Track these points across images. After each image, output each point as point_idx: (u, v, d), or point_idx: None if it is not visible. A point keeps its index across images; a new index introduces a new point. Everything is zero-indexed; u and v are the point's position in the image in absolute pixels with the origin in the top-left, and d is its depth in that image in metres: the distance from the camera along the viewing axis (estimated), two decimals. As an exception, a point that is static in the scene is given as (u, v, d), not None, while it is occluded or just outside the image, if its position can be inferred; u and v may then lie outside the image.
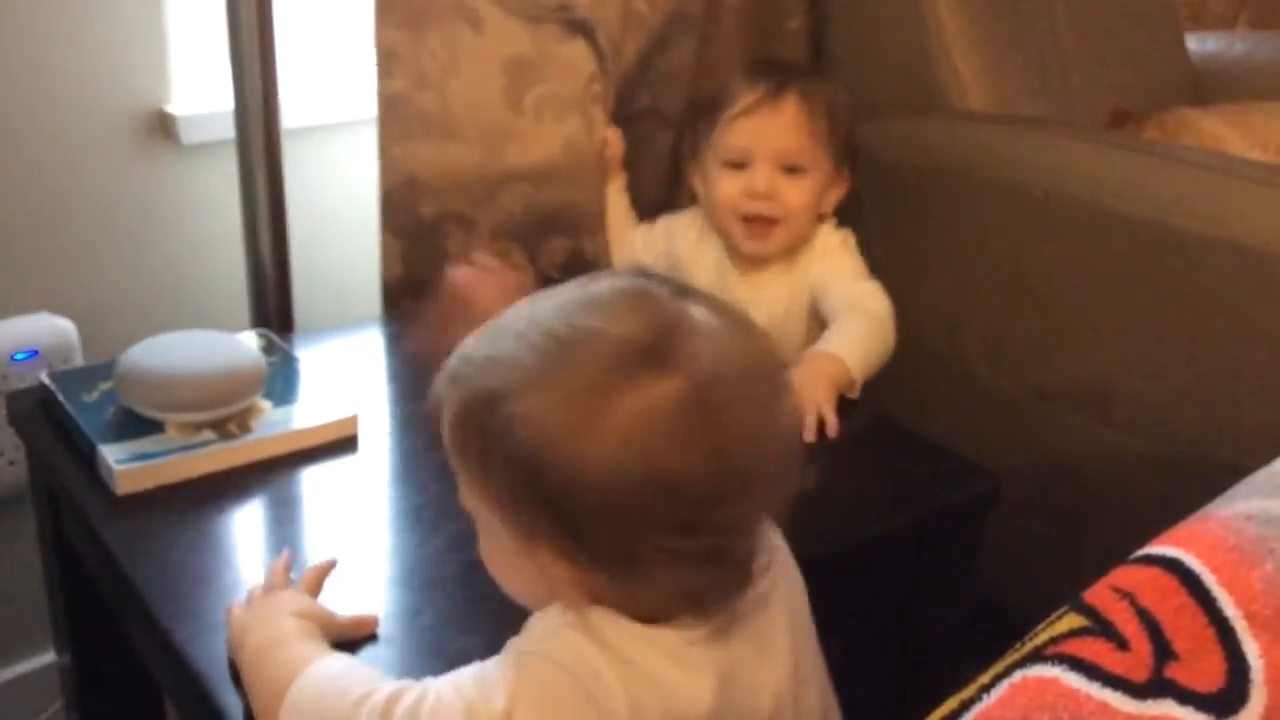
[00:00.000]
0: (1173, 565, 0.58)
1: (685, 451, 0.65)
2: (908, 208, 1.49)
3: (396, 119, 1.32)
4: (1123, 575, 0.59)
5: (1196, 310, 1.23)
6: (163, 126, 1.36)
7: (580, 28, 1.38)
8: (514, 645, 0.72)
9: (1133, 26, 1.82)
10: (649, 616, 0.70)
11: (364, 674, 0.75)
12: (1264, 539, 0.58)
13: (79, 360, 1.31)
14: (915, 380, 1.42)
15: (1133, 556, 0.61)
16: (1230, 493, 0.66)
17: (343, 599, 0.88)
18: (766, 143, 1.29)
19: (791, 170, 1.31)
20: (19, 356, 1.27)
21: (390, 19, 1.30)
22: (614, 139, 1.43)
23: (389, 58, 1.30)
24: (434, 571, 0.93)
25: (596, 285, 0.70)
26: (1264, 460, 1.15)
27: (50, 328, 1.29)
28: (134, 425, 1.04)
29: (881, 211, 1.51)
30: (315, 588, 0.87)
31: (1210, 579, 0.56)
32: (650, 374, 0.65)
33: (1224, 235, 1.20)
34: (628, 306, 0.68)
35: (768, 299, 1.34)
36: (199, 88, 1.39)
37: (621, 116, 1.48)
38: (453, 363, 0.71)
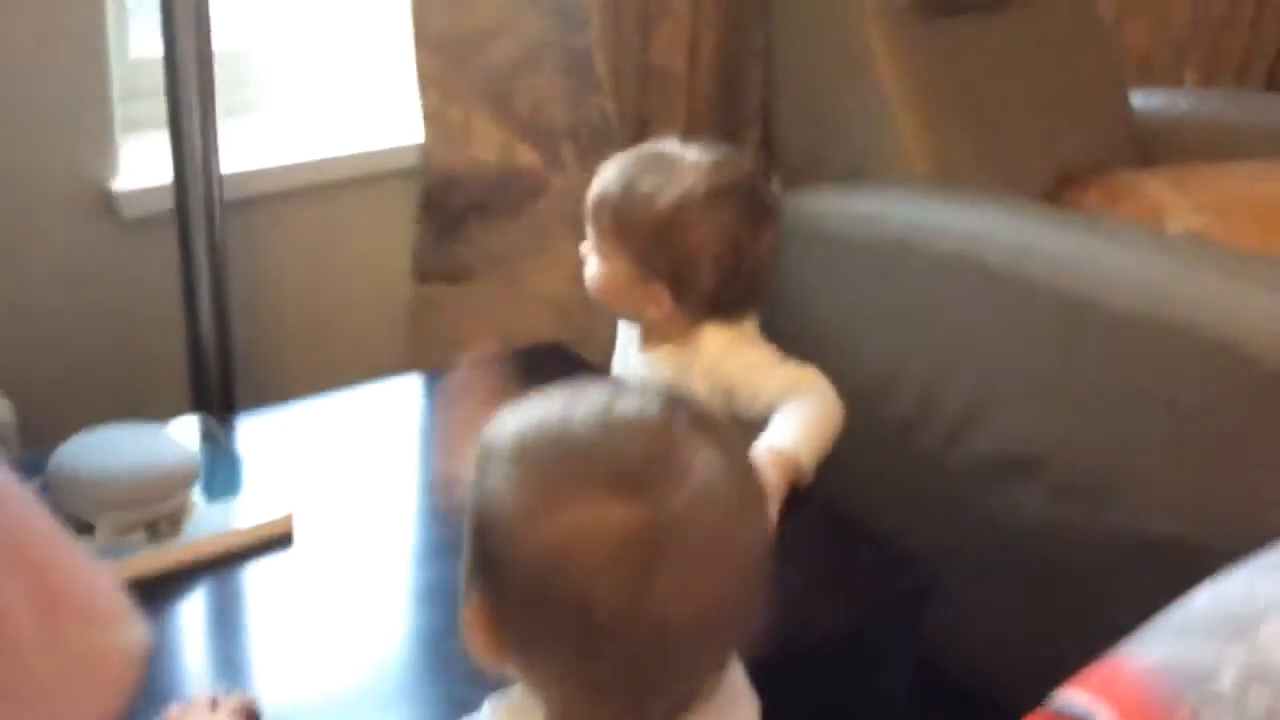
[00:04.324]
0: (1085, 721, 0.58)
1: (610, 581, 0.65)
2: (849, 275, 1.49)
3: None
4: (1036, 729, 0.59)
5: (1119, 381, 1.25)
6: (105, 203, 1.35)
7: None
8: None
9: (1078, 85, 1.83)
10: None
11: None
12: (1176, 690, 0.58)
13: (15, 439, 1.29)
14: (855, 447, 1.42)
15: (1047, 703, 0.61)
16: (1145, 633, 0.66)
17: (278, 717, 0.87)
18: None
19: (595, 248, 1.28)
20: (-48, 439, 1.25)
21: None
22: None
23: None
24: (373, 684, 0.92)
25: (628, 399, 0.71)
26: (1188, 530, 1.18)
27: (-13, 407, 1.27)
28: (65, 525, 1.03)
29: (824, 278, 1.52)
30: (238, 716, 0.86)
31: (1120, 739, 0.56)
32: (618, 498, 0.66)
33: (1145, 311, 1.22)
34: (638, 431, 0.69)
35: (659, 377, 1.31)
36: (143, 163, 1.38)
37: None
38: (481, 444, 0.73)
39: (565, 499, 0.66)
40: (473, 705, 0.75)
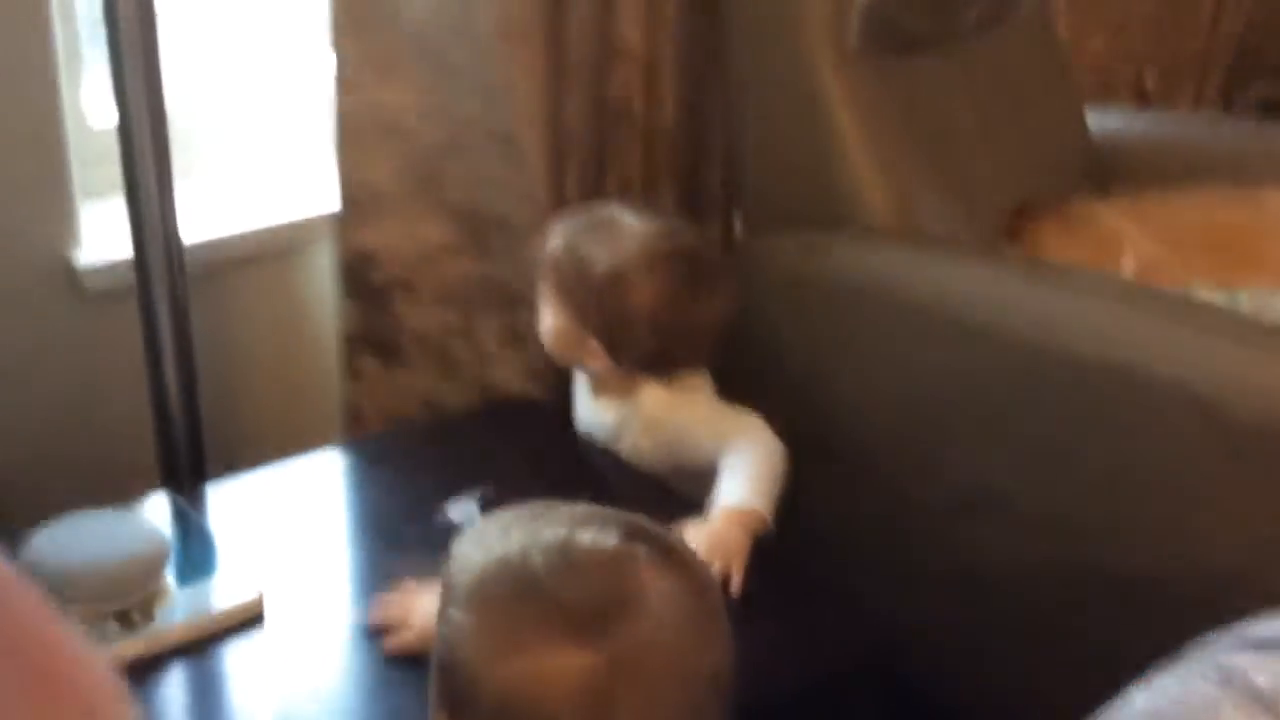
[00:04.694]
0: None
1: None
2: (809, 319, 1.51)
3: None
4: None
5: (1089, 431, 1.27)
6: (68, 277, 1.36)
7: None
8: None
9: (1033, 108, 1.85)
10: None
11: None
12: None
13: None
14: (819, 491, 1.45)
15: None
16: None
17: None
18: None
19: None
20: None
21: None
22: None
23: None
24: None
25: (587, 531, 0.72)
26: (1155, 568, 1.20)
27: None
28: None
29: (785, 321, 1.53)
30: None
31: None
32: (574, 643, 0.68)
33: (1102, 357, 1.24)
34: (595, 567, 0.71)
35: (601, 424, 1.37)
36: (104, 236, 1.39)
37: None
38: (457, 539, 0.76)
39: (525, 644, 0.68)
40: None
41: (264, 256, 1.51)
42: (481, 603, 0.71)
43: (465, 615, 0.71)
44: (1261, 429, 1.14)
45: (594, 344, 1.30)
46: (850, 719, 1.14)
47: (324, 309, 1.55)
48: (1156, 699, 0.68)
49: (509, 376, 1.54)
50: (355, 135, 1.44)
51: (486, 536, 0.74)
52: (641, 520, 0.75)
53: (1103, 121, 1.99)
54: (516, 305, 1.49)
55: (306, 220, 1.52)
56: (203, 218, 1.44)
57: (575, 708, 0.66)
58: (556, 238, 1.33)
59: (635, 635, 0.68)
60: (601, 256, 1.28)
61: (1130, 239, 1.63)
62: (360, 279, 1.50)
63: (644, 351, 1.29)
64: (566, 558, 0.70)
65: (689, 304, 1.29)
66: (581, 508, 0.75)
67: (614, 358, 1.30)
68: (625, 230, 1.30)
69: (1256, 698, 0.65)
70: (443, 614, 0.73)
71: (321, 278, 1.54)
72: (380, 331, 1.53)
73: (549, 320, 1.33)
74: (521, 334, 1.51)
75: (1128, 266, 1.65)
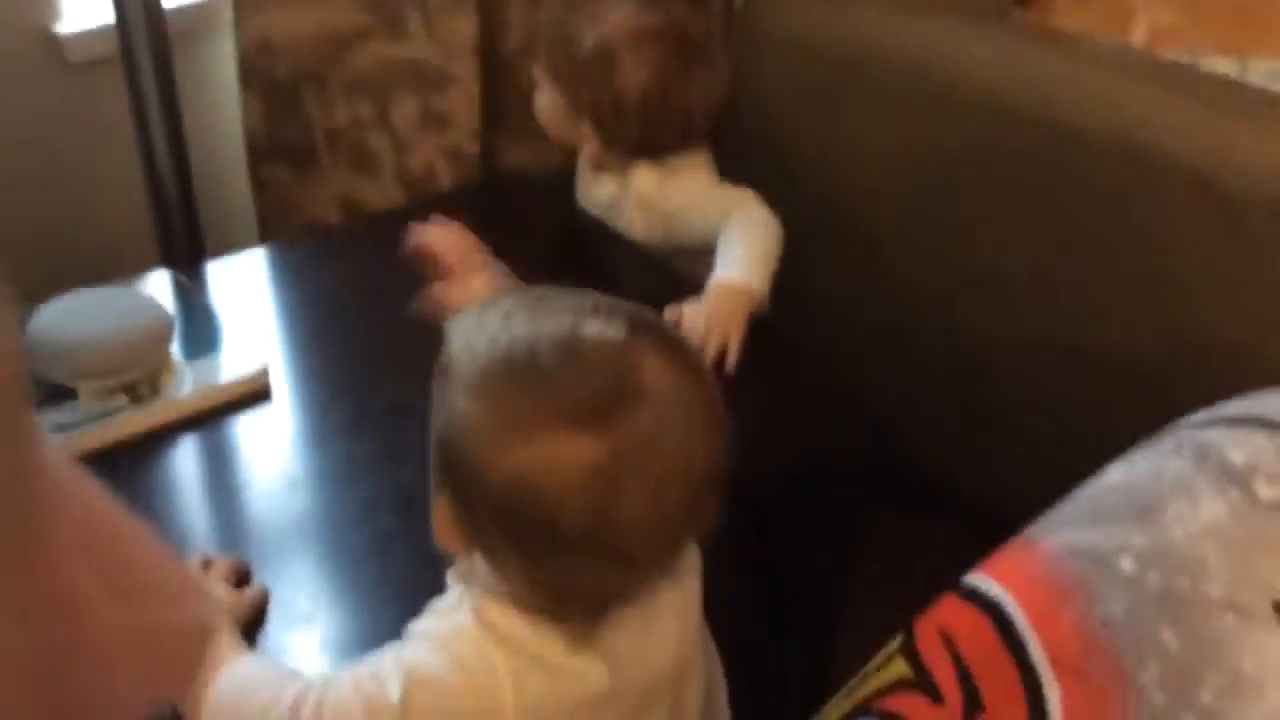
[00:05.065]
0: (992, 608, 0.63)
1: (575, 507, 0.70)
2: (807, 87, 1.48)
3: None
4: (949, 612, 0.64)
5: (1088, 205, 1.26)
6: (48, 47, 1.33)
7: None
8: (412, 630, 0.78)
9: None
10: (539, 609, 0.76)
11: (270, 676, 0.81)
12: (1077, 575, 0.63)
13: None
14: (825, 268, 1.45)
15: (962, 585, 0.67)
16: (1058, 512, 0.71)
17: (261, 573, 0.93)
18: None
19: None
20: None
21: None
22: None
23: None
24: (351, 540, 0.98)
25: (593, 322, 0.73)
26: (1155, 346, 1.22)
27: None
28: (45, 392, 1.07)
29: (784, 87, 1.50)
30: (228, 578, 0.92)
31: (1023, 623, 0.62)
32: (578, 432, 0.69)
33: (1115, 135, 1.22)
34: (601, 358, 0.72)
35: (598, 202, 1.37)
36: (86, 3, 1.35)
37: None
38: (447, 340, 0.76)
39: (531, 433, 0.69)
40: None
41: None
42: (488, 394, 0.71)
43: (472, 405, 0.72)
44: (1257, 202, 1.14)
45: (585, 127, 1.27)
46: (846, 497, 1.17)
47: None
48: (1131, 472, 0.71)
49: (428, 161, 1.47)
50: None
51: (488, 323, 0.74)
52: (645, 311, 0.76)
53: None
54: (435, 85, 1.43)
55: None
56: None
57: (581, 494, 0.68)
58: (545, 11, 1.29)
59: (639, 425, 0.69)
60: (589, 32, 1.24)
61: (1144, 5, 1.58)
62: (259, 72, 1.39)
63: (634, 134, 1.27)
64: (572, 349, 0.71)
65: (681, 85, 1.25)
66: (584, 296, 0.76)
67: (605, 142, 1.28)
68: (613, 3, 1.25)
69: (1228, 471, 0.68)
70: (444, 401, 0.74)
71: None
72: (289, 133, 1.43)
73: (542, 99, 1.30)
74: (441, 114, 1.44)
75: (1139, 33, 1.61)
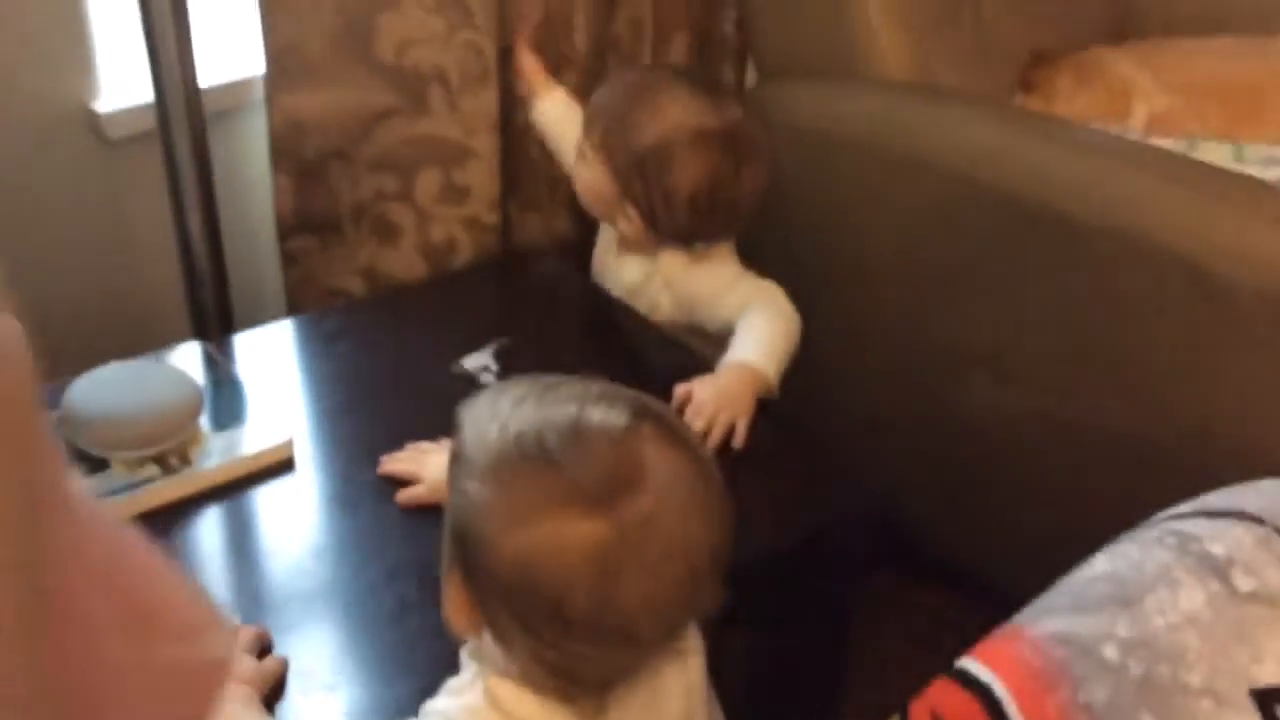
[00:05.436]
0: (983, 692, 0.67)
1: (579, 589, 0.73)
2: (814, 169, 1.53)
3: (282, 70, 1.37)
4: (942, 695, 0.68)
5: (1085, 288, 1.30)
6: (89, 123, 1.39)
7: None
8: (427, 710, 0.82)
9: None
10: (549, 688, 0.79)
11: None
12: (1063, 661, 0.67)
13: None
14: (823, 346, 1.50)
15: (955, 668, 0.70)
16: (1046, 600, 0.74)
17: (283, 641, 0.97)
18: None
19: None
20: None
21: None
22: (527, 60, 1.45)
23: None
24: (371, 609, 1.02)
25: (597, 408, 0.77)
26: (1144, 426, 1.25)
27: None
28: (79, 462, 1.11)
29: (792, 171, 1.55)
30: (251, 649, 0.96)
31: (1012, 706, 0.65)
32: (582, 514, 0.73)
33: (1107, 221, 1.26)
34: (605, 443, 0.75)
35: (621, 279, 1.41)
36: (125, 81, 1.40)
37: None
38: (460, 426, 0.81)
39: (539, 517, 0.73)
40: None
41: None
42: (498, 478, 0.75)
43: (482, 489, 0.76)
44: (1244, 285, 1.17)
45: (631, 210, 1.30)
46: (844, 569, 1.21)
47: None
48: (1116, 562, 0.75)
49: (449, 233, 1.53)
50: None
51: (500, 409, 0.78)
52: (648, 398, 0.80)
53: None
54: (457, 159, 1.48)
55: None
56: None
57: (584, 575, 0.72)
58: (608, 93, 1.33)
59: (641, 508, 0.73)
60: (649, 127, 1.27)
61: (1142, 89, 1.64)
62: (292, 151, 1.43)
63: (680, 226, 1.30)
64: (578, 436, 0.75)
65: (732, 180, 1.28)
66: (591, 384, 0.80)
67: (649, 227, 1.31)
68: (675, 101, 1.28)
69: (1209, 562, 0.71)
70: (457, 485, 0.78)
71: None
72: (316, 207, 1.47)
73: (588, 175, 1.33)
74: (462, 187, 1.49)
75: (1139, 116, 1.66)
